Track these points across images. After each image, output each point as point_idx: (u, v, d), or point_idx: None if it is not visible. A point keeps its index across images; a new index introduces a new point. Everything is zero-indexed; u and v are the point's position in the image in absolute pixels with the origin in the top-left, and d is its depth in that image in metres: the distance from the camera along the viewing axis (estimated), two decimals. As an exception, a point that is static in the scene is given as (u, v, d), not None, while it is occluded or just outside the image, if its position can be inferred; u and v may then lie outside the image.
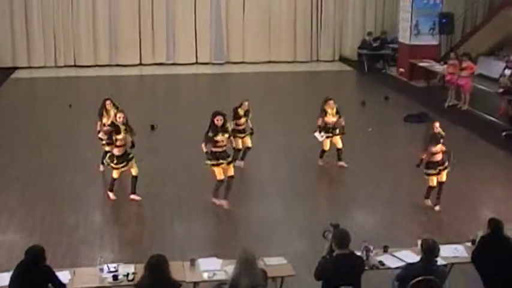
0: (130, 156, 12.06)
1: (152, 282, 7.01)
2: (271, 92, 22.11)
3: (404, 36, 23.92)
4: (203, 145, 11.47)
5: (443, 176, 11.67)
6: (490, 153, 15.18)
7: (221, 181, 11.56)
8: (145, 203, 11.93)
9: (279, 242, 10.52)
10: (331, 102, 13.44)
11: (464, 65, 19.01)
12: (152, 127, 16.90)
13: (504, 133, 16.34)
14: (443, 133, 11.70)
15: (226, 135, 11.54)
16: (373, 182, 13.25)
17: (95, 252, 9.74)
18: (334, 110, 13.46)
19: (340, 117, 13.52)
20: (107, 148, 12.72)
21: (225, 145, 11.58)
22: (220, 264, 8.31)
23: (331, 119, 13.46)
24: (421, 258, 7.67)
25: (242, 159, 13.78)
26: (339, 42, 28.00)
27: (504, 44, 23.72)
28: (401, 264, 8.24)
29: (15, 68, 25.32)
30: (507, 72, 17.82)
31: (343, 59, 27.88)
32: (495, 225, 8.20)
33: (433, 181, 11.67)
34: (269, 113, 18.63)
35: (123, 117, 11.86)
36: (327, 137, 13.56)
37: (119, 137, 11.74)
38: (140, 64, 26.31)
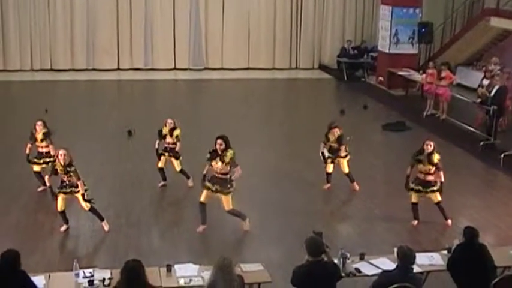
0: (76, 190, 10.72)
1: (128, 287, 6.94)
2: (250, 99, 22.10)
3: (384, 45, 24.02)
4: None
5: (437, 196, 11.36)
6: (467, 163, 15.25)
7: (201, 203, 11.01)
8: (121, 209, 11.84)
9: (255, 249, 10.50)
10: (335, 130, 12.85)
11: (443, 74, 19.12)
12: (129, 133, 16.79)
13: (482, 143, 16.38)
14: (436, 156, 11.23)
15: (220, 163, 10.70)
16: (350, 190, 13.26)
17: (71, 257, 9.63)
18: (335, 137, 12.84)
19: (340, 145, 12.89)
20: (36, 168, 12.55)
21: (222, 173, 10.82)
22: (197, 270, 8.27)
23: (332, 144, 12.90)
24: (397, 266, 7.68)
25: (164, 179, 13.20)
26: (318, 50, 28.04)
27: (482, 53, 23.93)
28: (378, 271, 8.24)
29: (-10, 71, 25.05)
30: (485, 82, 17.86)
31: (322, 67, 27.90)
32: (471, 233, 8.23)
33: (414, 197, 11.41)
34: (248, 121, 18.64)
35: (64, 156, 10.51)
36: (329, 158, 12.96)
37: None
38: (118, 69, 26.14)
